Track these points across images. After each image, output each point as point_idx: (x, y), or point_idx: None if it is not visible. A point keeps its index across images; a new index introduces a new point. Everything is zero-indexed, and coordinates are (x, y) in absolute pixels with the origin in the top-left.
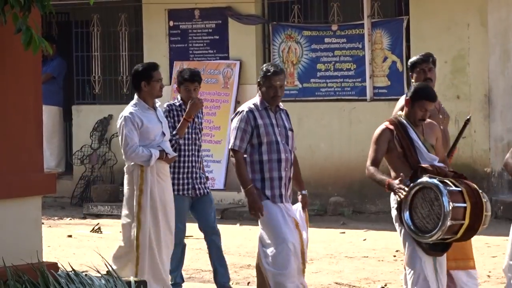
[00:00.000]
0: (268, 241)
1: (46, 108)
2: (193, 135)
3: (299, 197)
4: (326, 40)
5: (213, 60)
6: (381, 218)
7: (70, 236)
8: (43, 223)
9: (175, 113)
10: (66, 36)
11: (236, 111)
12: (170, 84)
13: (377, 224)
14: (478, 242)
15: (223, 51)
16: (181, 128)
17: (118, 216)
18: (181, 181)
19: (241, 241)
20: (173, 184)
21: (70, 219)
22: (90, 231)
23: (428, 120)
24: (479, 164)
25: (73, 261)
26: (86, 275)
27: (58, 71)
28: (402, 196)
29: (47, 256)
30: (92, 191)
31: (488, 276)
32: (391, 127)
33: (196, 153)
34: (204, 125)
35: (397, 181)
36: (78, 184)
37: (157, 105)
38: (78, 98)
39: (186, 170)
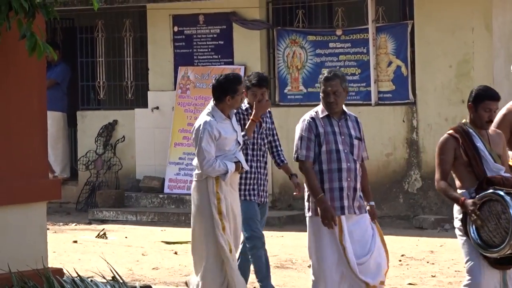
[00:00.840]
0: (311, 261)
1: (50, 114)
2: (259, 140)
3: (367, 208)
4: (331, 44)
5: (218, 65)
6: (386, 223)
7: (75, 241)
8: (48, 229)
9: (241, 116)
10: (70, 42)
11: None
12: (175, 89)
13: (383, 228)
14: None
15: (228, 56)
16: (249, 129)
17: (123, 222)
18: (248, 187)
19: None
20: (239, 190)
21: (75, 224)
22: (96, 237)
23: (494, 128)
24: None
25: (79, 266)
26: (91, 280)
27: (62, 76)
28: (473, 219)
29: (52, 262)
30: (97, 196)
31: None
32: (456, 135)
33: (261, 158)
34: None
35: (471, 202)
36: (83, 189)
37: (232, 113)
38: (83, 103)
39: (252, 175)
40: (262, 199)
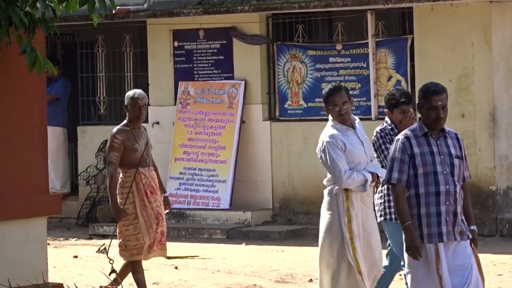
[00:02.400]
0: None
1: (51, 129)
2: None
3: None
4: (331, 59)
5: (218, 80)
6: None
7: (76, 256)
8: (48, 244)
9: (389, 137)
10: (71, 57)
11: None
12: (175, 104)
13: (384, 242)
14: (484, 260)
15: (228, 71)
16: None
17: None
18: (388, 204)
19: (247, 261)
20: (385, 208)
21: (76, 239)
22: (96, 252)
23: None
24: (484, 182)
25: (79, 282)
26: None
27: (62, 92)
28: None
29: (53, 277)
30: (98, 211)
31: None
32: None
33: None
34: (209, 145)
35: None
36: (84, 204)
37: (356, 122)
38: (83, 118)
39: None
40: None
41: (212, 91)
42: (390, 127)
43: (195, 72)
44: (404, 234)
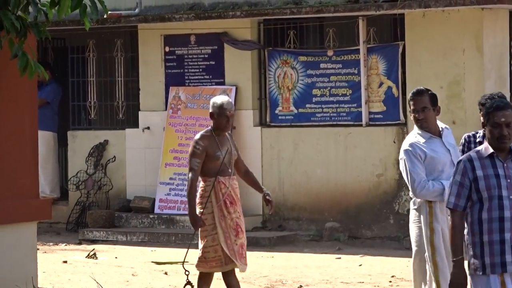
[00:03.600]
0: None
1: (41, 134)
2: None
3: None
4: (322, 65)
5: (209, 85)
6: (376, 244)
7: (65, 262)
8: (38, 249)
9: (471, 145)
10: (62, 62)
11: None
12: (166, 109)
13: (373, 249)
14: None
15: (219, 77)
16: None
17: (113, 242)
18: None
19: None
20: None
21: (66, 244)
22: (86, 257)
23: None
24: None
25: (69, 287)
26: None
27: (52, 96)
28: None
29: (42, 282)
30: (88, 216)
31: None
32: None
33: None
34: None
35: None
36: (74, 209)
37: (444, 130)
38: (74, 123)
39: None
40: None
41: (203, 96)
42: (478, 135)
43: (186, 77)
44: (453, 267)
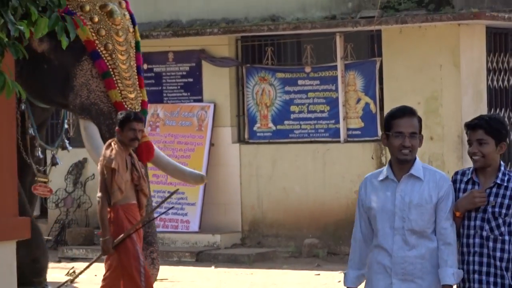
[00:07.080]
0: None
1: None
2: None
3: None
4: (300, 82)
5: (187, 102)
6: None
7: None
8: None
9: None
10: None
11: None
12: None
13: None
14: None
15: (197, 94)
16: None
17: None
18: None
19: (216, 284)
20: None
21: None
22: (65, 275)
23: None
24: None
25: None
26: None
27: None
28: None
29: None
30: (67, 234)
31: None
32: None
33: None
34: None
35: None
36: (53, 227)
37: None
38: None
39: None
40: None
41: (182, 113)
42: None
43: (164, 94)
44: None
